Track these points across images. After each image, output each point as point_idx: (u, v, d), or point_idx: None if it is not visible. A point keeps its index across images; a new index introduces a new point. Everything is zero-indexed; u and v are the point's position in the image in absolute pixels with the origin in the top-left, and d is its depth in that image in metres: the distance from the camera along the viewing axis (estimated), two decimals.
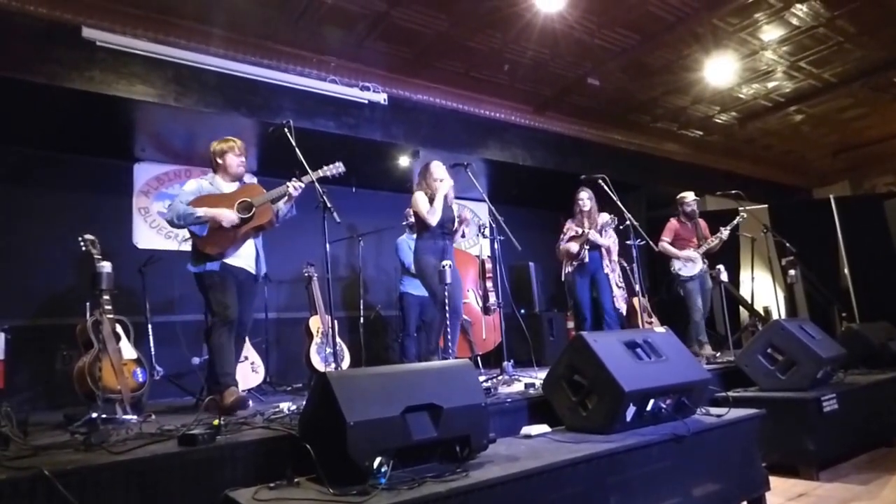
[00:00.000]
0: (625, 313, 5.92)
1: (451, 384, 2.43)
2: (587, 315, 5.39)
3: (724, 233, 5.92)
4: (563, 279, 5.60)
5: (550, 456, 2.40)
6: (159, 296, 5.39)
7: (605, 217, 5.46)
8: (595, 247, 5.41)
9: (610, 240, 5.48)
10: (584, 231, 5.41)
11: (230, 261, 3.69)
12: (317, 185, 3.42)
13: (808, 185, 10.81)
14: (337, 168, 3.79)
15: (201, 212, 3.61)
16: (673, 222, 6.14)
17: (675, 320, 5.50)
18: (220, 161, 3.84)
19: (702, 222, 6.18)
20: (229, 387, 3.49)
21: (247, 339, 4.48)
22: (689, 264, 5.89)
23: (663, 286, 6.93)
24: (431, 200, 4.38)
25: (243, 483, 2.20)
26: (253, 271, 3.83)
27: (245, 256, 3.77)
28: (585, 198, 5.55)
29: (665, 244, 6.01)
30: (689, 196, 6.14)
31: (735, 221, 5.95)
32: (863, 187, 10.36)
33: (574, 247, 5.42)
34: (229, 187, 3.84)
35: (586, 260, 5.38)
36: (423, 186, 4.48)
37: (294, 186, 3.67)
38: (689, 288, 5.87)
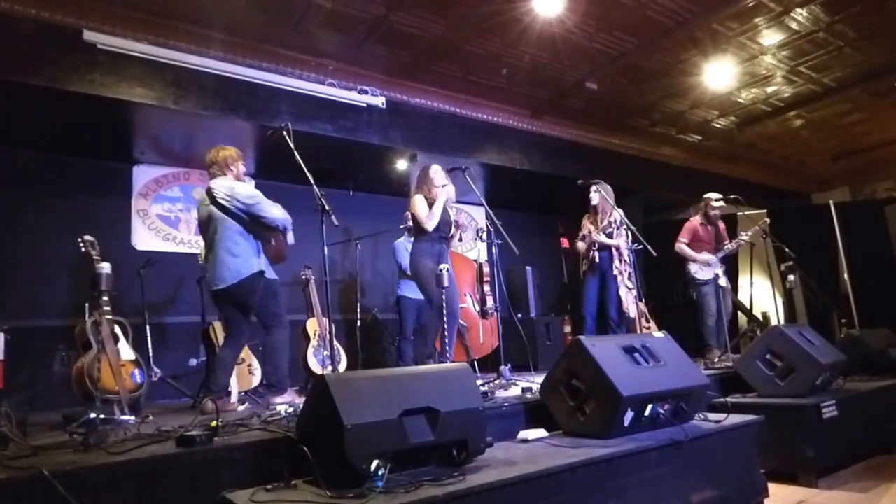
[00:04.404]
0: (633, 315, 5.50)
1: (449, 388, 2.43)
2: (590, 313, 5.37)
3: (744, 237, 5.87)
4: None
5: (548, 460, 2.39)
6: (157, 297, 5.40)
7: (619, 213, 5.31)
8: (604, 247, 5.39)
9: (620, 239, 5.33)
10: (590, 232, 5.43)
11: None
12: (315, 187, 3.41)
13: (808, 190, 10.80)
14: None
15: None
16: (693, 223, 6.02)
17: (674, 325, 5.47)
18: (233, 168, 3.94)
19: (721, 225, 6.07)
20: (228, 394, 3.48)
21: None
22: (705, 268, 5.85)
23: (677, 289, 6.80)
24: (431, 204, 4.37)
25: (240, 485, 2.20)
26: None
27: None
28: (593, 191, 5.49)
29: (682, 246, 5.91)
30: (716, 197, 5.98)
31: (755, 228, 5.86)
32: (862, 192, 10.35)
33: (581, 246, 5.47)
34: None
35: (597, 260, 5.39)
36: (423, 190, 4.46)
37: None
38: (705, 291, 5.80)
